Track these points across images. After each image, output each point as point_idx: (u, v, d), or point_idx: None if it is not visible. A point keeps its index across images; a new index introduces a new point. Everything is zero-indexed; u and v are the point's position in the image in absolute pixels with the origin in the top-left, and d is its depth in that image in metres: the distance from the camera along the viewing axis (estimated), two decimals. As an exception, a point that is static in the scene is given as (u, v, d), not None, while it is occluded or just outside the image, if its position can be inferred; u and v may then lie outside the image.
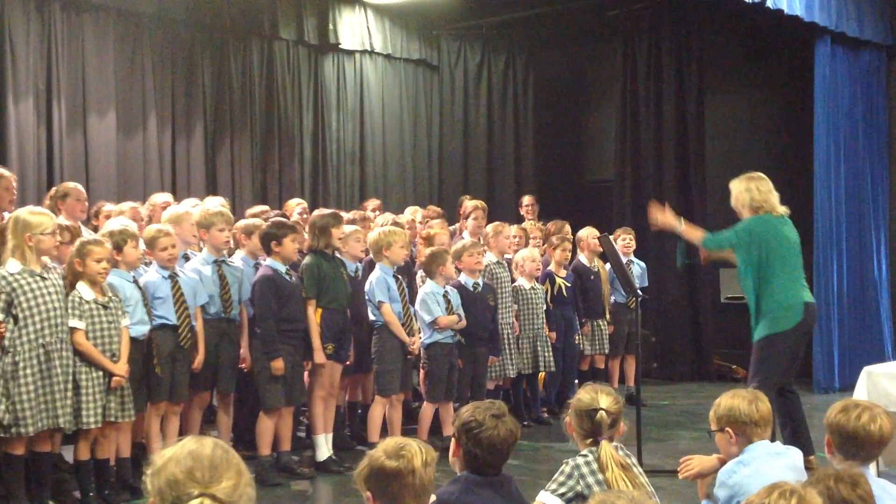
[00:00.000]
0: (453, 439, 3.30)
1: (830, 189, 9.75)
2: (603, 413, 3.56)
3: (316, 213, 7.36)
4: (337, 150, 11.46)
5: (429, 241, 7.98)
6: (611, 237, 7.63)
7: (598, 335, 9.02)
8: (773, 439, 3.82)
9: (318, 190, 11.20)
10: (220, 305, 6.56)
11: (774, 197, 6.33)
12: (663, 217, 6.65)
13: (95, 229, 6.97)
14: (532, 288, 8.30)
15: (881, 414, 3.47)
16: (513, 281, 8.26)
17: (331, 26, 11.15)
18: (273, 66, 10.76)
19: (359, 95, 11.70)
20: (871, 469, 3.62)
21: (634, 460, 3.65)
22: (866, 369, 6.09)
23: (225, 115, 10.35)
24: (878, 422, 3.42)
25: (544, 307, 8.40)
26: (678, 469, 4.08)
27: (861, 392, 5.94)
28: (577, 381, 8.62)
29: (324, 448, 6.81)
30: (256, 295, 6.47)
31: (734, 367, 10.56)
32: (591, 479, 3.46)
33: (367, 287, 7.11)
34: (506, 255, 8.37)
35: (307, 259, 6.82)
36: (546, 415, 8.51)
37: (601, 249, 8.17)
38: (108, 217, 7.02)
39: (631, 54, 11.43)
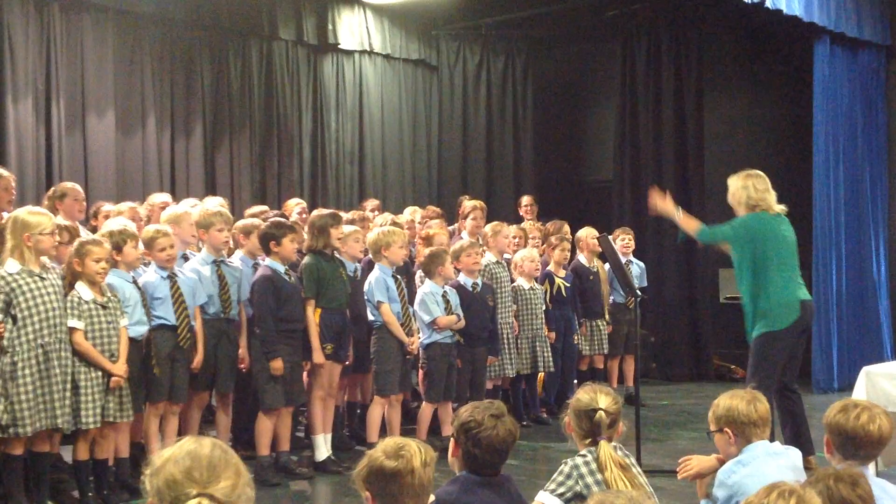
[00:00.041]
0: (452, 439, 3.30)
1: (829, 189, 9.75)
2: (602, 413, 3.56)
3: (315, 213, 7.36)
4: (336, 150, 11.46)
5: (428, 241, 7.98)
6: (610, 237, 7.63)
7: (597, 335, 9.02)
8: (772, 439, 3.82)
9: (317, 190, 11.19)
10: (219, 305, 6.56)
11: (771, 196, 6.33)
12: (662, 203, 6.66)
13: (94, 229, 6.96)
14: (531, 288, 8.30)
15: (880, 414, 3.47)
16: (512, 281, 8.26)
17: (330, 26, 11.15)
18: (272, 66, 10.76)
19: (358, 95, 11.70)
20: (870, 469, 3.62)
21: (633, 460, 3.65)
22: (865, 369, 6.08)
23: (224, 115, 10.35)
24: (877, 422, 3.42)
25: (543, 307, 8.40)
26: (677, 469, 4.08)
27: (860, 392, 5.93)
28: (576, 382, 8.61)
29: (323, 448, 6.81)
30: (255, 295, 6.47)
31: (733, 367, 10.56)
32: (589, 480, 3.46)
33: (366, 287, 7.11)
34: (505, 255, 8.37)
35: (306, 259, 6.82)
36: (545, 415, 8.51)
37: (600, 249, 8.17)
38: (106, 217, 7.01)
39: (630, 54, 11.44)
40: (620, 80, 11.54)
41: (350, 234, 7.10)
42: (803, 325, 6.30)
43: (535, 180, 12.51)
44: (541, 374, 8.55)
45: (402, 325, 7.07)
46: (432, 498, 2.96)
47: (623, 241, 9.30)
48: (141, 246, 6.28)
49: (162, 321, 6.16)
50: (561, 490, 3.48)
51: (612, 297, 9.26)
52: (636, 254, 9.60)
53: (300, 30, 10.92)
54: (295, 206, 8.72)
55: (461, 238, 8.43)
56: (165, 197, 8.05)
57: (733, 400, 3.73)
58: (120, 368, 5.75)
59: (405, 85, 12.34)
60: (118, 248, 5.96)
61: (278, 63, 10.82)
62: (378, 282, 7.05)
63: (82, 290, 5.68)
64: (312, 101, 11.24)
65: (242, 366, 6.70)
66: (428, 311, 7.15)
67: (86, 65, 9.15)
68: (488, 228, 8.33)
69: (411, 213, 9.32)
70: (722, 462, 3.77)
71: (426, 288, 7.24)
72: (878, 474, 4.51)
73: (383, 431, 6.95)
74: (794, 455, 3.77)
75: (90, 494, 5.78)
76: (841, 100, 9.90)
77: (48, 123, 8.84)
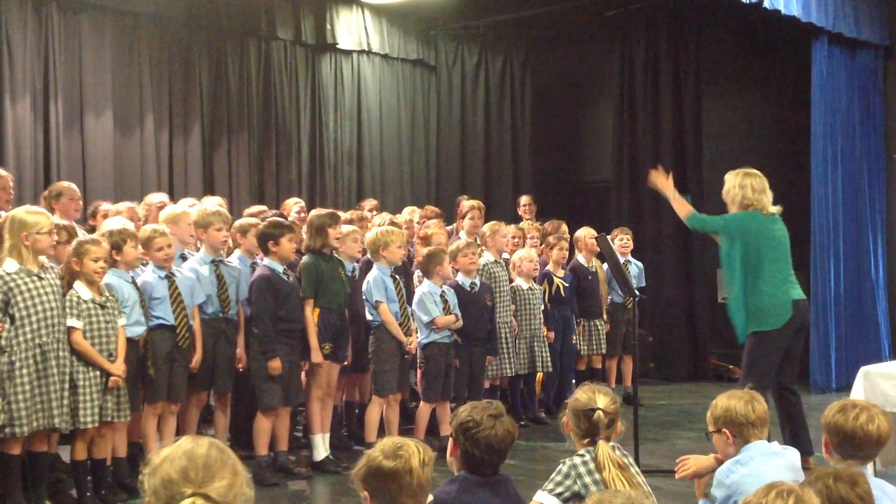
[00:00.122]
0: (451, 439, 3.29)
1: (827, 189, 9.76)
2: (600, 413, 3.56)
3: (313, 212, 7.35)
4: (334, 150, 11.46)
5: (426, 241, 7.97)
6: (608, 237, 7.62)
7: (595, 335, 9.02)
8: (769, 439, 3.82)
9: (316, 190, 11.20)
10: (217, 305, 6.55)
11: (767, 197, 6.33)
12: (662, 181, 6.65)
13: (93, 229, 6.96)
14: (530, 288, 8.29)
15: (879, 414, 3.47)
16: (510, 281, 8.26)
17: (328, 26, 11.16)
18: (270, 65, 10.77)
19: (356, 95, 11.70)
20: (868, 469, 3.62)
21: (631, 460, 3.64)
22: (863, 369, 6.08)
23: (222, 115, 10.35)
24: (876, 422, 3.42)
25: (542, 307, 8.40)
26: (675, 469, 4.08)
27: (858, 392, 5.92)
28: (574, 381, 8.61)
29: (321, 448, 6.81)
30: (253, 295, 6.46)
31: (731, 367, 10.56)
32: (588, 479, 3.46)
33: (364, 287, 7.11)
34: (503, 255, 8.36)
35: (305, 259, 6.81)
36: (543, 415, 8.50)
37: (598, 249, 8.17)
38: (105, 216, 7.00)
39: (628, 54, 11.44)
40: (619, 79, 11.55)
41: (348, 234, 7.10)
42: (797, 325, 6.29)
43: (534, 180, 12.52)
44: (539, 374, 8.55)
45: (400, 324, 7.06)
46: (431, 498, 2.96)
47: (621, 240, 9.31)
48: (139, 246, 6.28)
49: (160, 321, 6.15)
50: (559, 490, 3.48)
51: (610, 297, 9.27)
52: (634, 254, 9.60)
53: (298, 29, 10.92)
54: (293, 206, 8.72)
55: (459, 238, 8.42)
56: (162, 197, 8.03)
57: (731, 400, 3.73)
58: (118, 368, 5.75)
59: (403, 85, 12.34)
60: (118, 247, 5.96)
61: (276, 63, 10.82)
62: (376, 281, 7.05)
63: (81, 289, 5.68)
64: (311, 100, 11.24)
65: (240, 365, 6.69)
66: (426, 311, 7.14)
67: (84, 64, 9.15)
68: (486, 228, 8.32)
69: (409, 212, 9.31)
70: (720, 462, 3.78)
71: (424, 288, 7.24)
72: (876, 474, 4.52)
73: (381, 431, 6.94)
74: (793, 455, 3.77)
75: (88, 494, 5.77)
76: (839, 100, 9.90)
77: (46, 123, 8.84)
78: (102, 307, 5.74)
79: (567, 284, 8.69)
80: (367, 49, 11.68)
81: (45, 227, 5.55)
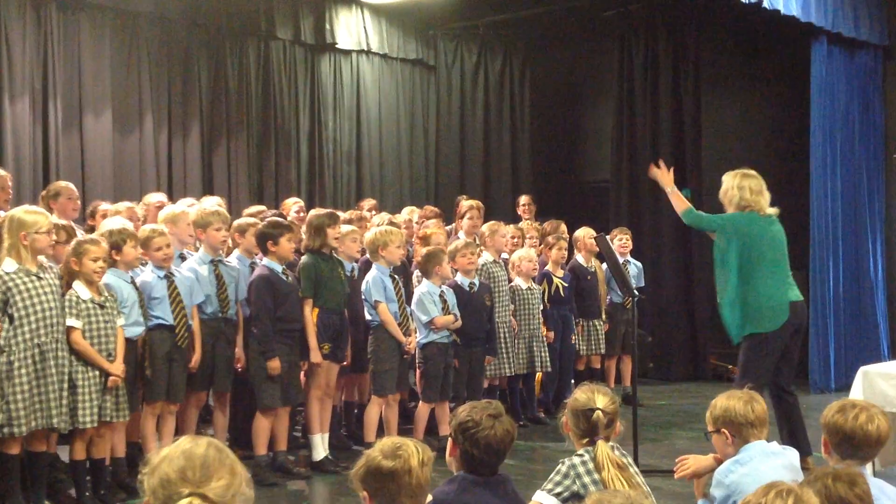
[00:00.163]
0: (450, 439, 3.29)
1: (826, 189, 9.76)
2: (599, 413, 3.56)
3: (312, 212, 7.35)
4: (333, 150, 11.45)
5: (425, 240, 7.97)
6: (607, 237, 7.62)
7: (594, 335, 9.02)
8: (769, 439, 3.82)
9: (315, 189, 11.19)
10: (216, 305, 6.55)
11: (764, 198, 6.32)
12: (662, 174, 6.65)
13: (92, 229, 6.95)
14: (529, 288, 8.29)
15: (878, 414, 3.47)
16: (509, 280, 8.25)
17: (327, 26, 11.15)
18: (269, 65, 10.76)
19: (355, 95, 11.69)
20: (867, 469, 3.62)
21: (631, 460, 3.64)
22: (863, 369, 6.08)
23: (221, 115, 10.34)
24: (875, 422, 3.42)
25: (541, 307, 8.39)
26: (674, 469, 4.08)
27: (857, 392, 5.93)
28: (573, 381, 8.61)
29: (320, 448, 6.80)
30: (253, 295, 6.46)
31: (730, 367, 10.53)
32: (587, 479, 3.46)
33: (363, 287, 7.11)
34: (502, 255, 8.36)
35: (304, 259, 6.81)
36: (542, 415, 8.50)
37: (598, 249, 8.17)
38: (104, 216, 7.00)
39: (627, 54, 11.44)
40: (618, 79, 11.54)
41: (347, 234, 7.10)
42: (794, 327, 6.29)
43: (533, 180, 12.51)
44: (538, 374, 8.55)
45: (399, 324, 7.06)
46: (430, 498, 2.96)
47: (621, 240, 9.31)
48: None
49: (159, 321, 6.15)
50: (558, 490, 3.48)
51: (609, 297, 9.27)
52: (633, 254, 9.60)
53: (297, 29, 10.91)
54: (292, 206, 8.72)
55: (458, 238, 8.42)
56: (161, 196, 8.03)
57: (731, 400, 3.73)
58: (117, 368, 5.75)
59: (402, 85, 12.33)
60: (117, 247, 5.95)
61: (276, 62, 10.82)
62: (375, 281, 7.05)
63: (80, 289, 5.68)
64: (310, 100, 11.23)
65: (239, 365, 6.69)
66: (425, 311, 7.14)
67: (83, 64, 9.15)
68: (485, 228, 8.32)
69: (409, 212, 9.31)
70: (719, 461, 3.78)
71: (423, 288, 7.24)
72: (875, 474, 4.51)
73: (381, 431, 6.94)
74: (792, 455, 3.77)
75: (87, 494, 5.77)
76: (838, 100, 9.90)
77: (45, 122, 8.83)
78: (101, 307, 5.73)
79: (566, 284, 8.69)
80: (366, 49, 11.67)
81: (44, 227, 5.54)
